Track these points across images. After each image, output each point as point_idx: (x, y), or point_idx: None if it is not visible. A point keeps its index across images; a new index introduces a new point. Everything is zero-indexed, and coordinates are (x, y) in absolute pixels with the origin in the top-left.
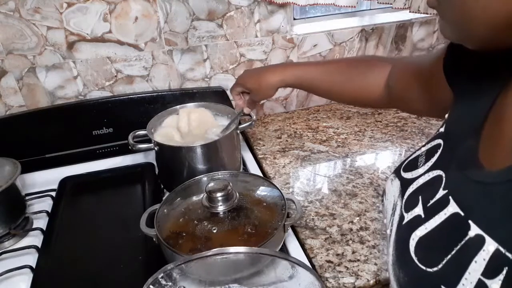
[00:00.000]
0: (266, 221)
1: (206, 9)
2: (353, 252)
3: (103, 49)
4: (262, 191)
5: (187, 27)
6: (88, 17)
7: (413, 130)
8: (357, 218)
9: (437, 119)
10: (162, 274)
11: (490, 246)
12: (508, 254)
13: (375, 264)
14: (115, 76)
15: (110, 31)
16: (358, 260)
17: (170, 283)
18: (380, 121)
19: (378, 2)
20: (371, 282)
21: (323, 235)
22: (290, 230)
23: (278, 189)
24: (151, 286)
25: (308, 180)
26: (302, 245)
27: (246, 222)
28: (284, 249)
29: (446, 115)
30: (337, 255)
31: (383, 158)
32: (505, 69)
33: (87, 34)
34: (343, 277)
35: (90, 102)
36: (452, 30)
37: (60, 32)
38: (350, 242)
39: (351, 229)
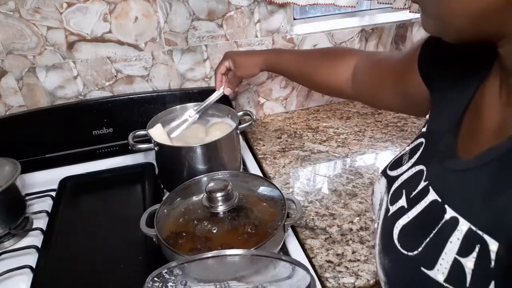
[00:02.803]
0: (266, 221)
1: (206, 9)
2: (353, 252)
3: (103, 49)
4: (262, 191)
5: (187, 27)
6: (88, 17)
7: (413, 130)
8: (357, 218)
9: None
10: (166, 270)
11: (463, 226)
12: (479, 232)
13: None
14: (115, 76)
15: (110, 31)
16: (358, 260)
17: (172, 277)
18: (380, 121)
19: (378, 2)
20: (371, 282)
21: (323, 235)
22: (290, 230)
23: (278, 189)
24: (155, 278)
25: (308, 180)
26: (302, 245)
27: (246, 222)
28: (284, 249)
29: (427, 116)
30: (337, 255)
31: (383, 158)
32: (482, 64)
33: (87, 34)
34: (343, 277)
35: (90, 102)
36: (433, 24)
37: (60, 32)
38: (350, 242)
39: (351, 229)
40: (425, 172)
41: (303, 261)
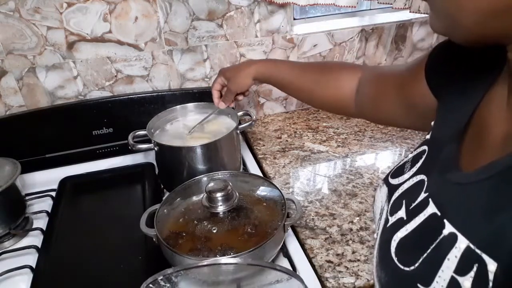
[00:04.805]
0: (266, 221)
1: (206, 9)
2: (353, 252)
3: (103, 49)
4: (262, 191)
5: (187, 27)
6: (88, 17)
7: (413, 130)
8: (357, 218)
9: None
10: (161, 277)
11: (462, 243)
12: (477, 251)
13: None
14: (115, 76)
15: (110, 31)
16: (358, 260)
17: (168, 285)
18: None
19: (378, 2)
20: (371, 282)
21: (323, 235)
22: (290, 230)
23: (278, 189)
24: (150, 285)
25: (308, 180)
26: (302, 245)
27: (246, 222)
28: (284, 249)
29: (432, 123)
30: (337, 255)
31: (383, 158)
32: (489, 70)
33: (87, 34)
34: (343, 277)
35: (90, 102)
36: (441, 22)
37: (60, 32)
38: (350, 242)
39: (351, 229)
40: (426, 183)
41: (303, 261)
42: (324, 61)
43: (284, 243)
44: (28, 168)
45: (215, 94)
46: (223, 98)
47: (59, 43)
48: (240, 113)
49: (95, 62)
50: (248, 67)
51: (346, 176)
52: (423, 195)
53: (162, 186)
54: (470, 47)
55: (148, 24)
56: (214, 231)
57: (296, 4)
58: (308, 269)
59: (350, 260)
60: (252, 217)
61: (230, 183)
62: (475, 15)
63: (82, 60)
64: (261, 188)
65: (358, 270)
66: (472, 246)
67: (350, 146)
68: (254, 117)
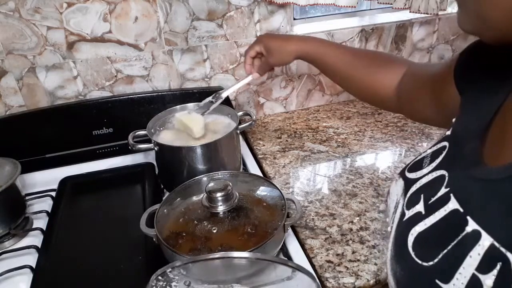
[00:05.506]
0: (266, 221)
1: (206, 9)
2: (353, 252)
3: (103, 49)
4: (262, 191)
5: (187, 27)
6: (88, 17)
7: (413, 130)
8: (357, 218)
9: None
10: (170, 269)
11: (486, 241)
12: (502, 249)
13: (375, 264)
14: (115, 76)
15: (110, 31)
16: (358, 260)
17: (177, 277)
18: (380, 121)
19: (378, 2)
20: (371, 282)
21: (323, 235)
22: (290, 230)
23: (278, 189)
24: (159, 277)
25: (308, 180)
26: (302, 245)
27: (246, 222)
28: (284, 249)
29: (453, 120)
30: (337, 255)
31: (383, 158)
32: None
33: (87, 34)
34: (343, 277)
35: (90, 102)
36: (470, 20)
37: (60, 32)
38: (350, 242)
39: (351, 229)
40: (446, 178)
41: (303, 261)
42: (372, 52)
43: (284, 243)
44: (28, 168)
45: (248, 61)
46: (259, 68)
47: (59, 43)
48: (240, 113)
49: (95, 62)
50: (293, 43)
51: (346, 176)
52: (443, 190)
53: (162, 186)
54: (498, 46)
55: (148, 24)
56: (214, 231)
57: (296, 4)
58: (308, 269)
59: (350, 260)
60: (252, 217)
61: (230, 183)
62: (507, 12)
63: (82, 60)
64: (261, 188)
65: (358, 270)
66: (496, 244)
67: (350, 146)
68: (254, 117)
